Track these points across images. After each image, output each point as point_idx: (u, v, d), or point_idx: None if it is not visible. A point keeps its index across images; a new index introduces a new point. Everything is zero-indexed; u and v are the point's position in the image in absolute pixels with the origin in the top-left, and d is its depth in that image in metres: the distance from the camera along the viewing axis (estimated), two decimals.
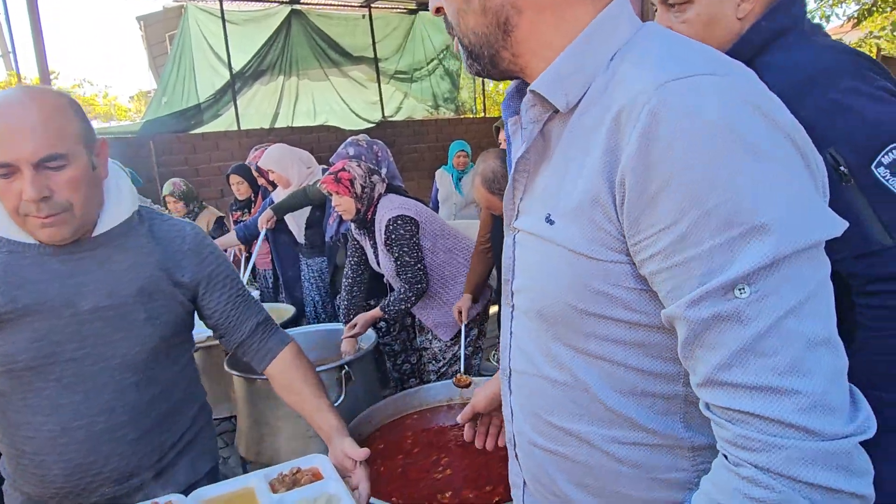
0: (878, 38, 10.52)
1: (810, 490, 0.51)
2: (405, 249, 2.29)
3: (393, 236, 2.30)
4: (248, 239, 3.37)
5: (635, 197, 0.55)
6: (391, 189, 2.49)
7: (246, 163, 3.85)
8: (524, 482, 0.81)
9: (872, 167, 0.79)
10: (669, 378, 0.63)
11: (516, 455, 0.81)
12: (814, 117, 0.78)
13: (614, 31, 0.64)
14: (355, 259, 2.63)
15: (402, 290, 2.31)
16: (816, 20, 11.58)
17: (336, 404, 2.03)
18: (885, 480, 0.74)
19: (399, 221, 2.30)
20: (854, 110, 0.81)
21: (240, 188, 3.87)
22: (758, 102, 0.54)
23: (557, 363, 0.68)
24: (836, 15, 10.94)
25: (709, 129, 0.52)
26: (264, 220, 3.15)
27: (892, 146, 0.80)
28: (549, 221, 0.64)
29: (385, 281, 2.60)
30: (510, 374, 0.79)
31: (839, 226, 0.55)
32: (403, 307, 2.31)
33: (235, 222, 3.91)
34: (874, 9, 10.14)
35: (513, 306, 0.77)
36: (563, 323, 0.65)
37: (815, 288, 0.53)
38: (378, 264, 2.51)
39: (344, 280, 2.68)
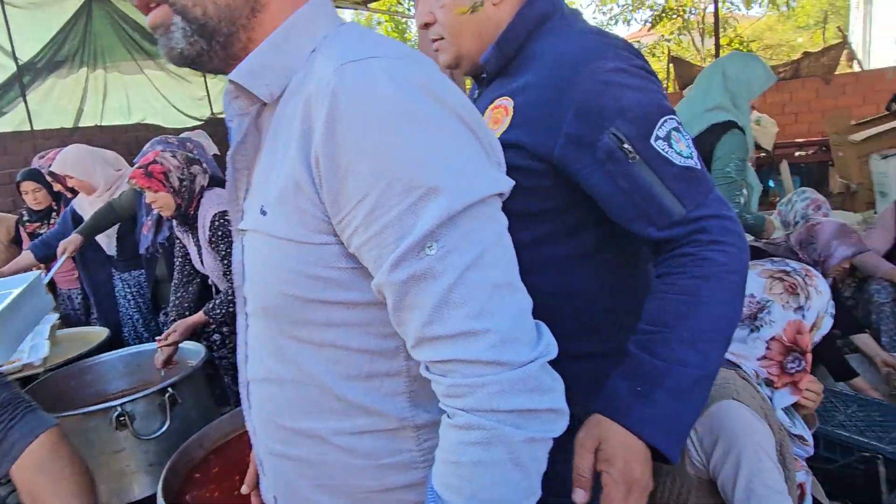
0: (669, 40, 12.10)
1: (513, 417, 0.57)
2: (232, 248, 2.12)
3: (219, 233, 2.12)
4: (49, 257, 2.90)
5: (329, 176, 0.58)
6: (217, 182, 2.29)
7: (33, 167, 3.32)
8: (275, 499, 0.78)
9: (651, 141, 0.82)
10: (392, 354, 0.66)
11: (265, 472, 0.79)
12: (589, 100, 0.83)
13: (314, 26, 0.66)
14: (180, 259, 2.40)
15: (229, 291, 2.14)
16: (619, 24, 13.07)
17: (160, 432, 1.88)
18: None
19: (226, 217, 2.12)
20: (624, 89, 0.84)
21: (36, 196, 3.32)
22: (424, 82, 0.59)
23: (285, 359, 0.68)
24: (636, 20, 12.38)
25: (381, 105, 0.56)
26: (69, 248, 2.67)
27: (663, 119, 0.84)
28: (263, 213, 0.64)
29: (210, 283, 2.40)
30: (248, 385, 0.76)
31: (505, 184, 0.64)
32: (231, 309, 2.13)
33: (31, 236, 3.36)
34: (663, 15, 11.66)
35: (246, 314, 0.74)
36: (286, 315, 0.66)
37: (493, 239, 0.60)
38: (202, 264, 2.31)
39: (172, 283, 2.43)
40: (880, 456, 1.62)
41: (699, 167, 0.84)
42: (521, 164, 0.87)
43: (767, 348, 1.29)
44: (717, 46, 7.51)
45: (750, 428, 1.16)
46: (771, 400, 1.29)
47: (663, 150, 0.82)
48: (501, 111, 0.91)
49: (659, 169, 0.81)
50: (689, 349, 0.78)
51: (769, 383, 1.30)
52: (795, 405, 1.34)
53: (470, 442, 0.57)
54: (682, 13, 11.68)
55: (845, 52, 7.97)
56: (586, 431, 0.81)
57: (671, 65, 8.55)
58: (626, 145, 0.81)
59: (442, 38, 0.97)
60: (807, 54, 7.66)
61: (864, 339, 2.38)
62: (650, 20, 11.76)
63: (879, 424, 1.77)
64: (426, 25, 0.97)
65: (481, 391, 0.57)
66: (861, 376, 2.19)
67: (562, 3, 0.97)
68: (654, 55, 11.92)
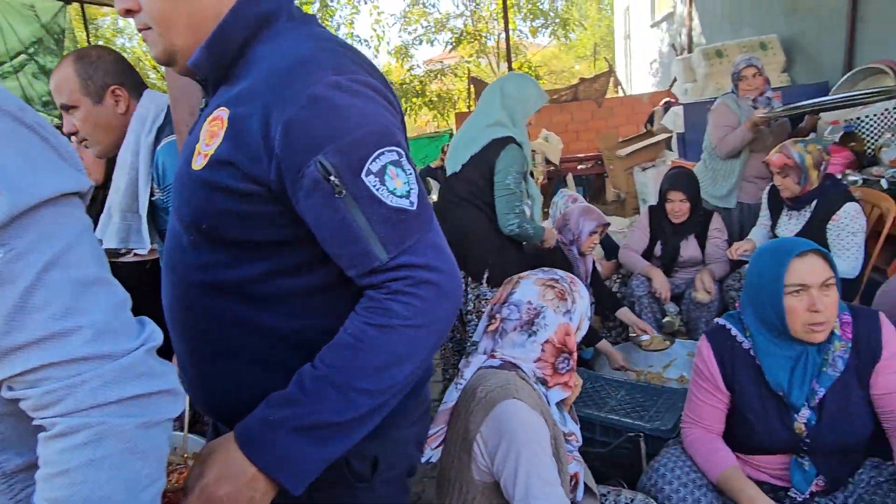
0: (469, 62, 12.95)
1: (124, 406, 0.56)
2: None
3: None
4: None
5: None
6: None
7: None
8: None
9: (362, 176, 0.73)
10: None
11: None
12: (299, 118, 0.72)
13: None
14: None
15: None
16: (424, 44, 13.68)
17: None
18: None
19: None
20: (339, 110, 0.73)
21: None
22: None
23: None
24: (438, 41, 13.05)
25: None
26: None
27: (379, 151, 0.75)
28: None
29: None
30: None
31: (81, 183, 0.60)
32: None
33: None
34: (462, 38, 12.47)
35: None
36: None
37: (75, 237, 0.58)
38: None
39: None
40: (642, 434, 1.82)
41: (414, 208, 0.76)
42: (239, 187, 0.76)
43: (542, 350, 1.37)
44: (510, 69, 8.20)
45: (529, 424, 1.22)
46: (546, 398, 1.37)
47: (374, 187, 0.74)
48: (217, 124, 0.79)
49: (367, 208, 0.73)
50: (337, 394, 0.74)
51: (544, 382, 1.38)
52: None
53: (76, 445, 0.55)
54: (478, 38, 12.60)
55: (612, 79, 9.25)
56: (211, 443, 0.79)
57: (471, 85, 9.15)
58: (332, 178, 0.72)
59: (149, 29, 0.82)
60: (582, 80, 8.72)
61: (623, 312, 2.79)
62: (452, 42, 12.49)
63: (642, 405, 2.00)
64: (128, 12, 0.81)
65: (82, 389, 0.55)
66: (604, 339, 2.58)
67: (290, 2, 0.86)
68: (456, 75, 12.68)
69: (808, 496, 1.47)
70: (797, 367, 1.44)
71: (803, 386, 1.43)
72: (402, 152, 0.78)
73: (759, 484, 1.52)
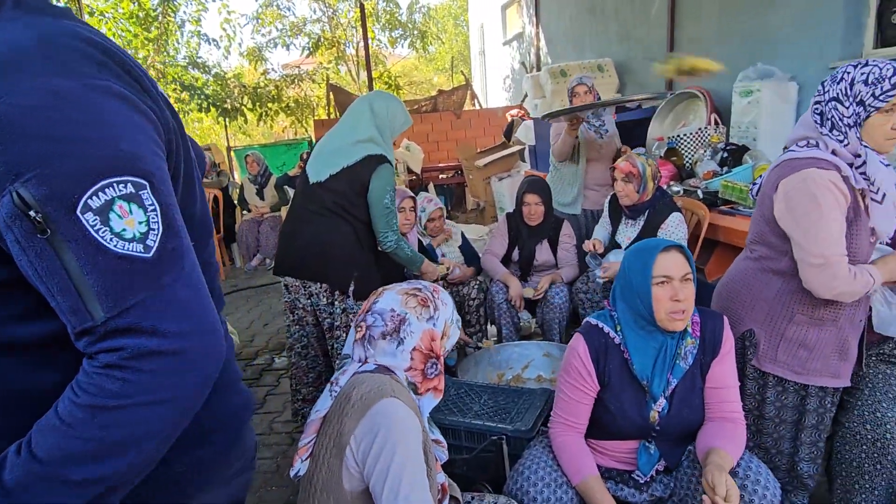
0: (328, 69, 12.72)
1: None
2: None
3: None
4: None
5: None
6: None
7: None
8: None
9: (78, 213, 0.58)
10: None
11: None
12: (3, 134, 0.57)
13: None
14: None
15: None
16: (280, 48, 13.13)
17: None
18: None
19: None
20: (52, 125, 0.58)
21: None
22: None
23: None
24: (295, 46, 12.65)
25: None
26: None
27: (106, 182, 0.60)
28: None
29: None
30: None
31: None
32: None
33: None
34: (320, 44, 12.21)
35: None
36: None
37: None
38: None
39: None
40: (504, 436, 1.87)
41: (149, 255, 0.62)
42: None
43: (412, 359, 1.37)
44: (370, 79, 8.18)
45: (406, 422, 1.21)
46: (420, 407, 1.37)
47: (94, 227, 0.59)
48: None
49: (81, 254, 0.59)
50: (42, 484, 0.60)
51: (415, 389, 1.38)
52: None
53: None
54: (337, 45, 12.43)
55: (469, 92, 9.61)
56: None
57: (330, 92, 8.98)
58: (34, 213, 0.57)
59: None
60: (441, 91, 8.96)
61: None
62: (309, 47, 12.18)
63: (504, 407, 2.06)
64: None
65: None
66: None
67: None
68: (314, 81, 12.38)
69: (648, 479, 1.61)
70: (659, 357, 1.58)
71: (662, 376, 1.57)
72: (146, 183, 0.63)
73: (607, 470, 1.65)
